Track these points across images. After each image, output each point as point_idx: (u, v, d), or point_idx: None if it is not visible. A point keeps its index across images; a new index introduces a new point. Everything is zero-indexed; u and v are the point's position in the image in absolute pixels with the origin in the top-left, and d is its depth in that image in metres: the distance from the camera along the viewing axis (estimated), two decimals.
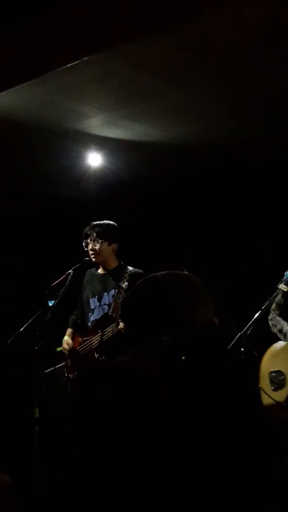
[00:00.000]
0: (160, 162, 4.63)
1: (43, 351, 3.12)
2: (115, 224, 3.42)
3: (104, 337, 3.16)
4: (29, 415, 2.90)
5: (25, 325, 3.17)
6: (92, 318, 3.36)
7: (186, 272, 1.21)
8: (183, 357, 0.98)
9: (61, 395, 3.64)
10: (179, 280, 1.17)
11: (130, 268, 3.35)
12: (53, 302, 3.27)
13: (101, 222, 3.39)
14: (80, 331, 3.45)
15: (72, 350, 3.36)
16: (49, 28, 2.91)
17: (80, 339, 3.39)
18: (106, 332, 3.16)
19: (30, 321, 3.18)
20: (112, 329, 3.14)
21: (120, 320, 3.09)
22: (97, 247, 3.31)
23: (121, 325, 3.05)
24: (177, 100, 3.40)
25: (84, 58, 2.75)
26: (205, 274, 1.23)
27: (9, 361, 4.66)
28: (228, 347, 2.43)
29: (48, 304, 3.28)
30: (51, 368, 3.38)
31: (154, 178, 4.88)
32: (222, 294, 1.23)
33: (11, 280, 5.30)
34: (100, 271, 3.44)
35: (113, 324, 3.13)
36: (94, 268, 3.45)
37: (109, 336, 3.14)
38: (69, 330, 3.50)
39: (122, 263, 3.40)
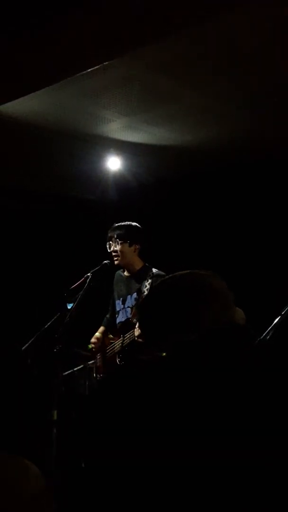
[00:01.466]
0: (179, 165, 4.63)
1: (62, 353, 3.14)
2: (137, 225, 3.36)
3: (124, 342, 3.15)
4: (47, 417, 2.91)
5: (44, 328, 3.19)
6: (118, 320, 3.37)
7: (209, 272, 1.19)
8: (163, 354, 0.97)
9: (79, 398, 3.65)
10: (198, 280, 1.16)
11: (154, 270, 3.27)
12: (72, 305, 3.29)
13: (122, 223, 3.36)
14: (112, 331, 3.46)
15: (102, 346, 3.37)
16: (69, 33, 2.94)
17: (109, 340, 3.40)
18: (126, 337, 3.16)
19: (49, 323, 3.20)
20: (130, 336, 3.13)
21: (137, 326, 3.09)
22: (118, 249, 3.28)
23: (137, 332, 3.04)
24: (197, 103, 3.39)
25: (105, 63, 2.76)
26: (224, 277, 1.21)
27: (28, 364, 4.69)
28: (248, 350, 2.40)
29: (67, 307, 3.29)
30: (70, 371, 3.38)
31: (174, 181, 4.88)
32: (241, 297, 1.22)
33: (30, 283, 5.34)
34: (125, 273, 3.41)
35: (132, 330, 3.12)
36: (122, 269, 3.40)
37: (127, 342, 3.14)
38: (101, 328, 3.52)
39: (147, 264, 3.33)
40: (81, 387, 3.54)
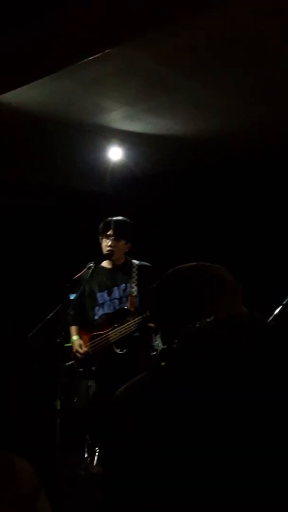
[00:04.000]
0: (182, 155, 4.61)
1: (64, 344, 3.15)
2: (131, 222, 3.44)
3: (124, 331, 3.16)
4: (50, 407, 2.93)
5: (46, 319, 3.20)
6: (100, 312, 3.30)
7: (213, 264, 1.20)
8: (162, 363, 0.97)
9: (81, 388, 3.67)
10: (206, 272, 1.16)
11: (135, 261, 3.38)
12: (74, 295, 3.30)
13: (120, 219, 3.38)
14: (83, 327, 3.37)
15: (84, 353, 3.27)
16: (70, 20, 2.92)
17: (88, 335, 3.31)
18: (126, 326, 3.16)
19: (51, 314, 3.21)
20: (135, 323, 3.14)
21: (145, 314, 3.11)
22: (116, 245, 3.32)
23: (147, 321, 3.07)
24: (199, 93, 3.37)
25: (106, 51, 2.74)
26: (228, 268, 1.22)
27: (30, 354, 4.71)
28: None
29: (69, 298, 3.30)
30: (72, 362, 3.40)
31: (176, 172, 4.86)
32: (244, 289, 1.22)
33: (32, 275, 5.35)
34: (106, 265, 3.40)
35: (137, 318, 3.13)
36: (94, 262, 3.34)
37: (131, 329, 3.15)
38: (74, 328, 3.37)
39: (127, 257, 3.42)
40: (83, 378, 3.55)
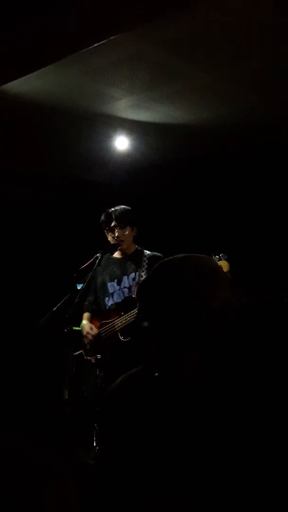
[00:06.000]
0: (188, 144, 4.58)
1: (72, 333, 3.16)
2: (131, 208, 3.44)
3: (129, 318, 3.19)
4: (59, 396, 2.96)
5: (54, 308, 3.22)
6: (110, 302, 3.35)
7: (203, 255, 1.19)
8: (156, 374, 0.96)
9: (89, 377, 3.69)
10: (197, 263, 1.15)
11: (147, 252, 3.39)
12: (81, 285, 3.31)
13: (120, 208, 3.39)
14: (96, 315, 3.44)
15: (95, 334, 3.37)
16: (74, 8, 2.88)
17: (98, 323, 3.39)
18: (132, 314, 3.18)
19: (59, 304, 3.23)
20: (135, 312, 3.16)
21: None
22: (123, 234, 3.33)
23: None
24: (205, 81, 3.34)
25: (111, 38, 2.71)
26: (233, 258, 1.21)
27: (39, 344, 4.74)
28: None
29: (76, 288, 3.31)
30: (80, 351, 3.41)
31: (182, 160, 4.83)
32: (248, 279, 1.21)
33: (40, 265, 5.36)
34: (117, 255, 3.44)
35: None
36: (108, 253, 3.44)
37: (133, 318, 3.17)
38: (86, 314, 3.47)
39: (138, 247, 3.43)
40: (91, 367, 3.57)
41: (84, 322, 3.43)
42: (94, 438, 3.58)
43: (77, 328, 3.39)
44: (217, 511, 0.79)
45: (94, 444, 3.62)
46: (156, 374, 0.95)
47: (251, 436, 0.78)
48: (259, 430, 0.78)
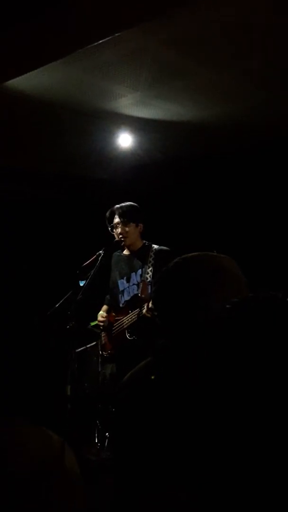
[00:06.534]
0: (191, 142, 4.57)
1: (74, 330, 3.18)
2: (137, 205, 3.45)
3: (133, 317, 3.19)
4: (61, 393, 2.97)
5: (56, 305, 3.23)
6: (123, 300, 3.39)
7: (218, 254, 1.18)
8: (152, 377, 0.97)
9: (92, 374, 3.70)
10: (210, 262, 1.15)
11: (155, 246, 3.38)
12: (84, 282, 3.32)
13: (124, 204, 3.40)
14: (114, 311, 3.50)
15: (108, 323, 3.42)
16: (74, 8, 2.88)
17: (112, 319, 3.45)
18: (136, 313, 3.19)
19: (61, 301, 3.24)
20: (140, 310, 3.16)
21: (146, 304, 3.12)
22: (126, 230, 3.33)
23: (144, 311, 3.09)
24: (209, 79, 3.33)
25: (116, 34, 2.71)
26: (236, 256, 1.20)
27: (41, 341, 4.75)
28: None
29: (79, 284, 3.33)
30: (82, 348, 3.43)
31: (186, 158, 4.83)
32: (252, 277, 1.21)
33: (42, 262, 5.37)
34: (125, 252, 3.47)
35: (143, 306, 3.15)
36: (119, 250, 3.47)
37: (145, 315, 3.18)
38: (105, 307, 3.57)
39: (146, 243, 3.43)
40: (94, 364, 3.58)
41: (101, 312, 3.53)
42: (96, 435, 3.59)
43: (94, 323, 3.47)
44: (221, 510, 0.79)
45: (96, 441, 3.62)
46: (153, 377, 0.96)
47: (258, 436, 0.78)
48: (267, 431, 0.78)
